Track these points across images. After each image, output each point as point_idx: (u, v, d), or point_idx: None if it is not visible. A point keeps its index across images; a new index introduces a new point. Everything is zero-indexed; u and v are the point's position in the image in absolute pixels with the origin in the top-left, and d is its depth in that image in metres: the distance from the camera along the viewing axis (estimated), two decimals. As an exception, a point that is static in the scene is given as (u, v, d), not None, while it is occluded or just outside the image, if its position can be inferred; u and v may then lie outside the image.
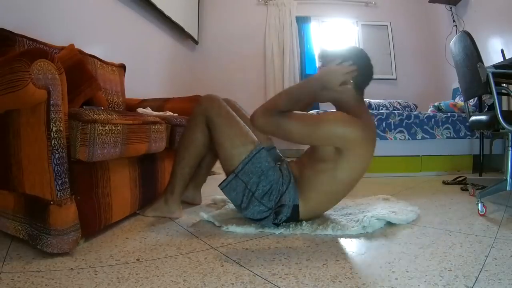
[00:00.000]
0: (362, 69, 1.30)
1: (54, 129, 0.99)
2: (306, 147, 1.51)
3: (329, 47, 1.40)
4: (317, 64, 1.42)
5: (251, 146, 1.34)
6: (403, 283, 0.87)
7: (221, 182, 1.36)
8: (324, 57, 1.37)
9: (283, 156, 1.62)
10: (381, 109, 3.32)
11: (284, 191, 1.31)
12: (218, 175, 2.54)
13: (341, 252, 1.10)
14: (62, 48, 1.77)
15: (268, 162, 1.34)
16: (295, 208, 1.31)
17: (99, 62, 2.08)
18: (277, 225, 1.33)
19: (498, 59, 2.55)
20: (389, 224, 1.39)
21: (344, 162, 1.25)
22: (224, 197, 1.76)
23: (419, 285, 0.85)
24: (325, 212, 1.49)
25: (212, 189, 1.76)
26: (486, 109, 2.94)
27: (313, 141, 1.29)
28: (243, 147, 1.33)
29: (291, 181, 1.33)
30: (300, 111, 1.34)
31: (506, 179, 1.64)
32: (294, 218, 1.33)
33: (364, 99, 1.37)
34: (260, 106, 1.27)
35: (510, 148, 1.69)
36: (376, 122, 3.03)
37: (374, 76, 1.35)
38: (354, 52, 1.33)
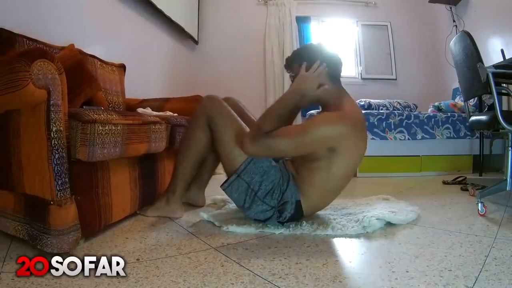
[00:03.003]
0: (330, 62, 1.31)
1: (54, 129, 0.99)
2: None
3: (291, 54, 1.40)
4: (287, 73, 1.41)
5: None
6: (403, 283, 0.87)
7: (223, 183, 1.36)
8: (291, 66, 1.37)
9: None
10: (381, 109, 3.32)
11: (285, 189, 1.32)
12: (219, 175, 2.54)
13: (341, 252, 1.10)
14: (62, 48, 1.77)
15: (270, 161, 1.34)
16: (298, 204, 1.32)
17: (99, 62, 2.08)
18: (282, 223, 1.33)
19: (498, 59, 2.54)
20: (389, 224, 1.39)
21: (338, 158, 1.25)
22: (224, 197, 1.77)
23: (419, 285, 0.85)
24: (325, 213, 1.49)
25: (212, 189, 1.75)
26: (486, 109, 2.94)
27: (307, 149, 1.27)
28: None
29: (290, 179, 1.34)
30: (288, 125, 1.36)
31: (506, 179, 1.64)
32: (299, 214, 1.33)
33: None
34: (246, 134, 1.28)
35: (510, 148, 1.68)
36: (376, 122, 3.03)
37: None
38: (315, 49, 1.33)
